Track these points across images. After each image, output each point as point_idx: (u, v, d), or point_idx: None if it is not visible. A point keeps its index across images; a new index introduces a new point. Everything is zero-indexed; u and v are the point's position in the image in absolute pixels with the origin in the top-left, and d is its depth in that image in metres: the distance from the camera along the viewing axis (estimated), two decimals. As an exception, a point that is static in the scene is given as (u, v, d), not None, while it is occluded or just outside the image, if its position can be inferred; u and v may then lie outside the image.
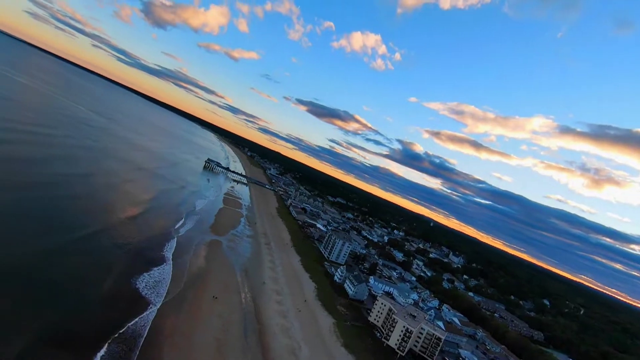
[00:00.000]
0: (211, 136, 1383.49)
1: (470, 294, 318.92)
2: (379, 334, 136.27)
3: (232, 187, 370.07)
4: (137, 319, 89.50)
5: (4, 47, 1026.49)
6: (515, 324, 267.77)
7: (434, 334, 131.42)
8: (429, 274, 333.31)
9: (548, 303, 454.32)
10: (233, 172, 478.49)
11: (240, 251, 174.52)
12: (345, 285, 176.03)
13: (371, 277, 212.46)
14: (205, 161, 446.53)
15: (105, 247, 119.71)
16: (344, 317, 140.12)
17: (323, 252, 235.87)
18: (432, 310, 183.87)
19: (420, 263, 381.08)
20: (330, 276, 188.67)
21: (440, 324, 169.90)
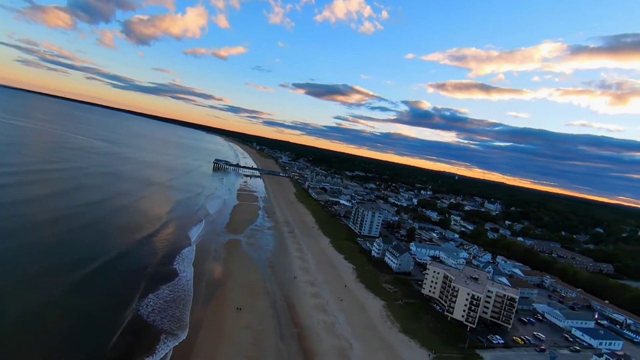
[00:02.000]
0: (218, 139, 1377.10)
1: (520, 239, 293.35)
2: (438, 307, 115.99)
3: (245, 182, 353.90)
4: (153, 357, 72.53)
5: (1, 98, 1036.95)
6: (579, 260, 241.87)
7: (505, 295, 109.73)
8: (470, 227, 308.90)
9: (602, 231, 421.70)
10: (244, 167, 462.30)
11: (262, 246, 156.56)
12: (386, 258, 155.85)
13: (411, 243, 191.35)
14: (214, 162, 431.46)
15: (122, 274, 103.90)
16: (394, 296, 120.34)
17: (353, 228, 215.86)
18: (490, 267, 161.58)
19: (458, 218, 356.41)
20: (367, 252, 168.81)
21: (503, 279, 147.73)
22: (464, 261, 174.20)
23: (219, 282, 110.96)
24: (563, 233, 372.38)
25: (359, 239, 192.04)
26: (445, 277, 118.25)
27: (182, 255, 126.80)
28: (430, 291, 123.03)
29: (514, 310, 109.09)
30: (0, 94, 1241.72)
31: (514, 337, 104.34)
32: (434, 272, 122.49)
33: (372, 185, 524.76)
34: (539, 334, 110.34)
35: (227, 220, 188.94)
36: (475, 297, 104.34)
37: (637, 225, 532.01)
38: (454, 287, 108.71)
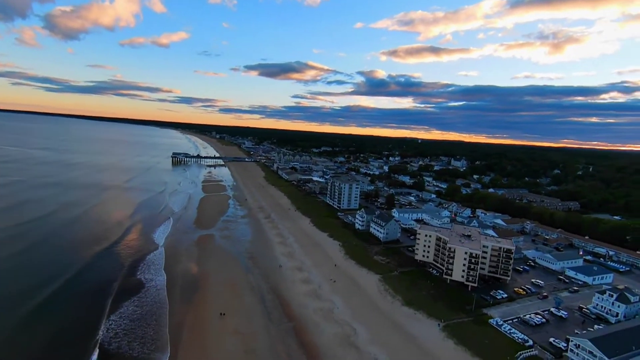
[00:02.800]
0: (174, 133, 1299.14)
1: (491, 190, 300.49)
2: (435, 271, 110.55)
3: (209, 172, 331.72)
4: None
5: None
6: (548, 202, 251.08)
7: (500, 248, 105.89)
8: (443, 186, 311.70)
9: (560, 172, 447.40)
10: (205, 157, 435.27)
11: (238, 237, 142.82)
12: (372, 229, 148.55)
13: (393, 210, 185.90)
14: (172, 156, 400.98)
15: (83, 296, 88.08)
16: (388, 268, 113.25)
17: (331, 203, 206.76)
18: (474, 221, 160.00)
19: (430, 179, 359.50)
20: (351, 226, 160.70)
21: (490, 231, 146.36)
22: (448, 220, 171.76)
23: (196, 285, 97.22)
24: (527, 179, 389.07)
25: (339, 213, 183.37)
26: (438, 239, 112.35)
27: (151, 262, 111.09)
28: (424, 256, 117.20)
29: (511, 262, 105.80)
30: None
31: (515, 289, 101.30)
32: (426, 235, 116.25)
33: (342, 159, 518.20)
34: (537, 280, 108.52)
35: (195, 215, 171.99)
36: (474, 254, 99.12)
37: (587, 163, 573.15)
38: (450, 248, 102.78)
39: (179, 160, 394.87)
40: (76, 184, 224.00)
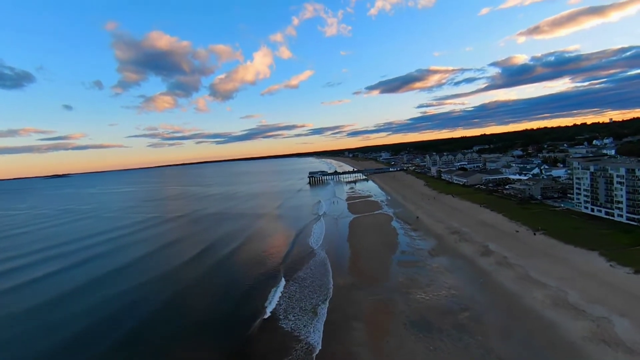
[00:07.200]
0: (310, 159, 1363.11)
1: None
2: None
3: (352, 188, 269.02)
4: None
5: (80, 185, 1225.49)
6: None
7: None
8: None
9: None
10: (343, 173, 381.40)
11: (457, 313, 60.74)
12: None
13: None
14: (308, 176, 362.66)
15: None
16: None
17: (598, 213, 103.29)
18: None
19: None
20: None
21: None
22: None
23: None
24: None
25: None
26: None
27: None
28: None
29: None
30: (140, 175, 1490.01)
31: None
32: None
33: (518, 152, 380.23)
34: None
35: (348, 252, 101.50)
36: None
37: None
38: None
39: (317, 179, 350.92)
40: (229, 215, 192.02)
